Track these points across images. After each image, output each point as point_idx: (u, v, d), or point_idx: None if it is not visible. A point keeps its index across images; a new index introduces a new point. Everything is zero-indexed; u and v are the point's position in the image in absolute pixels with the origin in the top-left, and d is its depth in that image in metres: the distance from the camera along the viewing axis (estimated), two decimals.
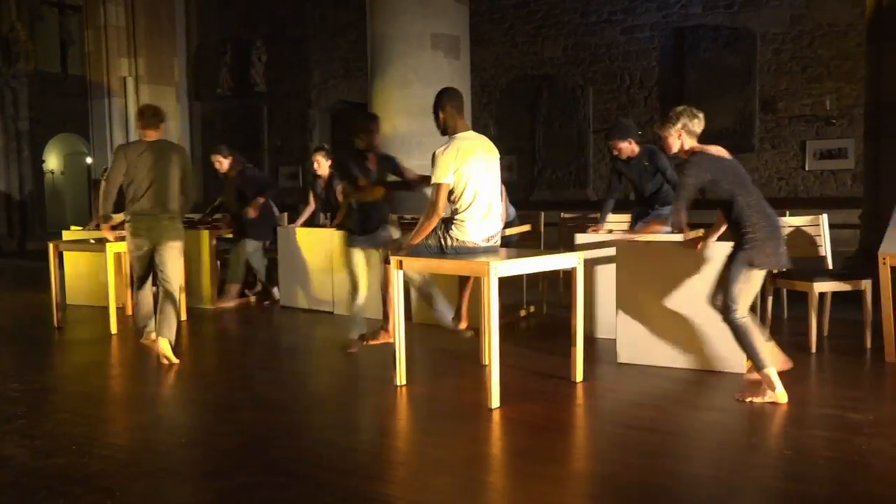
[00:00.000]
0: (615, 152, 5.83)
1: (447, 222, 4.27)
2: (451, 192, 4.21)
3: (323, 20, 13.80)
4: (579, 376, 4.20)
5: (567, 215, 7.04)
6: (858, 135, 8.60)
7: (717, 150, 3.91)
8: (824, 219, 5.11)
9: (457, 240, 4.23)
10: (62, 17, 19.48)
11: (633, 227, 5.95)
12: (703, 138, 4.02)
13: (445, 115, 4.34)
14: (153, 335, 5.23)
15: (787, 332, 5.26)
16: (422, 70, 8.38)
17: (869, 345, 4.86)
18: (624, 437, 3.38)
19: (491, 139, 4.46)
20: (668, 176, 5.76)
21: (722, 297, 3.81)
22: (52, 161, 21.31)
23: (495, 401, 3.73)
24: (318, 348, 5.72)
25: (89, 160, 15.57)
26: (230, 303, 7.15)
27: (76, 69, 17.50)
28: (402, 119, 8.47)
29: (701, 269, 4.30)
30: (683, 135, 3.90)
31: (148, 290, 5.47)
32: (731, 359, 4.30)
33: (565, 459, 3.20)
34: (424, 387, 4.27)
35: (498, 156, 4.39)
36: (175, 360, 4.87)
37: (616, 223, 6.15)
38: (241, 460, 3.17)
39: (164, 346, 4.89)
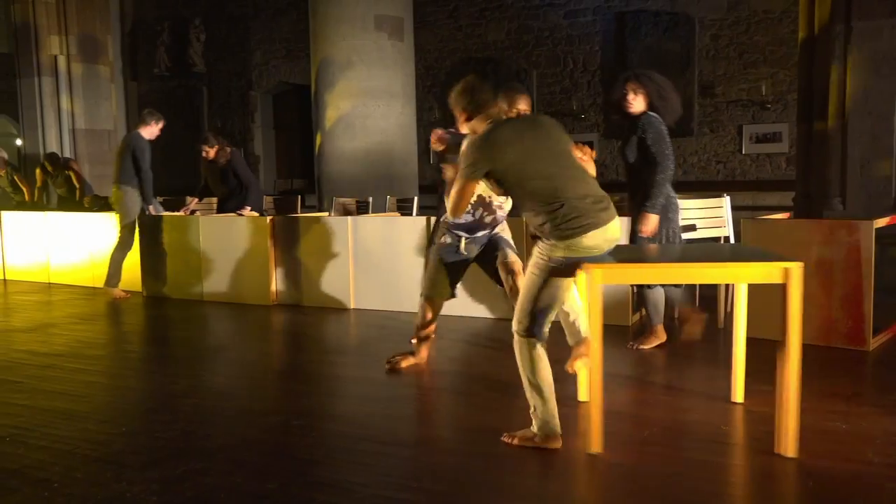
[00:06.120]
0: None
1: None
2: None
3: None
4: (740, 396, 3.46)
5: None
6: (792, 119, 8.88)
7: None
8: (727, 200, 5.47)
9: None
10: None
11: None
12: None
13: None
14: None
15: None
16: (365, 52, 8.30)
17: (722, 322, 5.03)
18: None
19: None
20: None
21: None
22: None
23: (790, 449, 2.82)
24: (255, 337, 5.66)
25: (19, 142, 14.97)
26: None
27: (2, 46, 16.74)
28: (345, 101, 8.39)
29: None
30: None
31: None
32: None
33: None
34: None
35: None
36: None
37: None
38: (184, 448, 3.12)
39: None
